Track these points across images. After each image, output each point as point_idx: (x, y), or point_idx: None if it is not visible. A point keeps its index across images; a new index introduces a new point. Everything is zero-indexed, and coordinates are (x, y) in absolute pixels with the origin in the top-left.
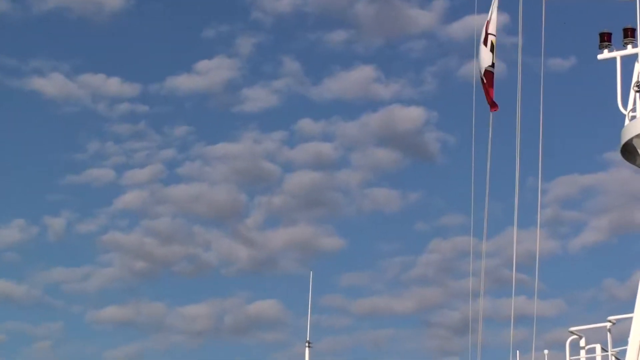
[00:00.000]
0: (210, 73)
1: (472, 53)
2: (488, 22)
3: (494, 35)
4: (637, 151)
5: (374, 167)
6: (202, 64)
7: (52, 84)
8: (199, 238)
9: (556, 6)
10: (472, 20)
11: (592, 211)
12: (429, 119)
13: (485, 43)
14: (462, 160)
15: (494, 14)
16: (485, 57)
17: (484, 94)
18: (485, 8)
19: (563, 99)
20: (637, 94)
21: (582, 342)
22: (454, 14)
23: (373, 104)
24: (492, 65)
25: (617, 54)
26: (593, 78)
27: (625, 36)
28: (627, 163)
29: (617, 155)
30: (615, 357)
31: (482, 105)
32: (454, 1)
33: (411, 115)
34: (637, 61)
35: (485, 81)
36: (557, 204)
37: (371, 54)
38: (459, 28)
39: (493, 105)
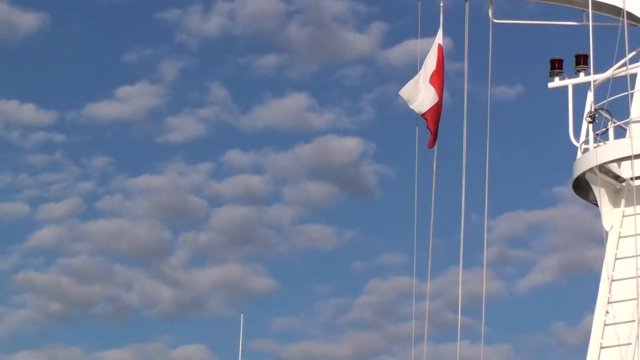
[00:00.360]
0: (132, 100)
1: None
2: (440, 45)
3: (436, 66)
4: (589, 186)
5: (308, 202)
6: (123, 90)
7: None
8: (120, 278)
9: (502, 30)
10: (413, 45)
11: (540, 250)
12: (367, 151)
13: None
14: (401, 195)
15: (440, 38)
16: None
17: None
18: (428, 31)
19: (510, 129)
20: (590, 125)
21: None
22: (393, 38)
23: (306, 134)
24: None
25: (569, 82)
26: (543, 107)
27: (578, 63)
28: (579, 199)
29: (568, 190)
30: None
31: (425, 136)
32: (393, 24)
33: (347, 147)
34: (590, 90)
35: (429, 115)
36: (503, 242)
37: (304, 81)
38: (398, 53)
39: (432, 139)
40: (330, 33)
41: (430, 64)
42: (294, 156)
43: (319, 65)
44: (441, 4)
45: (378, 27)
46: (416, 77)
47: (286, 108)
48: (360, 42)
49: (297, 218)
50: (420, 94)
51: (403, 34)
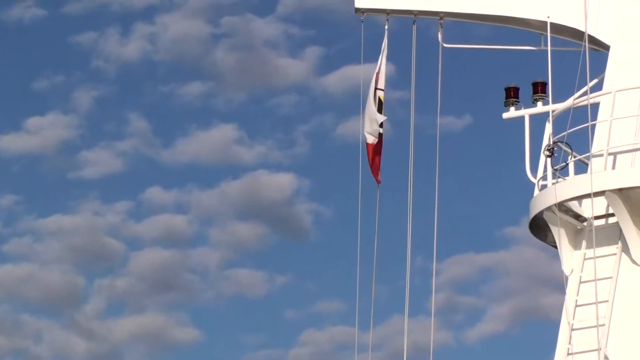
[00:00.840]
0: (43, 132)
1: (352, 109)
2: (377, 75)
3: (382, 90)
4: (548, 226)
5: (236, 244)
6: (33, 122)
7: None
8: (28, 328)
9: (452, 56)
10: (351, 71)
11: (491, 296)
12: (301, 188)
13: (375, 101)
14: (339, 237)
15: (383, 65)
16: (378, 118)
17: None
18: (369, 57)
19: (459, 164)
20: (548, 159)
21: None
22: (330, 63)
23: (235, 170)
24: (380, 125)
25: (525, 112)
26: (496, 140)
27: (535, 92)
28: (536, 240)
29: (523, 231)
30: None
31: (367, 172)
32: (330, 49)
33: (280, 183)
34: (548, 121)
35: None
36: (451, 287)
37: (233, 110)
38: (336, 80)
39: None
40: (261, 58)
41: (372, 94)
42: (221, 194)
43: (248, 93)
44: (386, 27)
45: (314, 52)
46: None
47: (212, 141)
48: (294, 68)
49: (225, 262)
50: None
51: (341, 59)
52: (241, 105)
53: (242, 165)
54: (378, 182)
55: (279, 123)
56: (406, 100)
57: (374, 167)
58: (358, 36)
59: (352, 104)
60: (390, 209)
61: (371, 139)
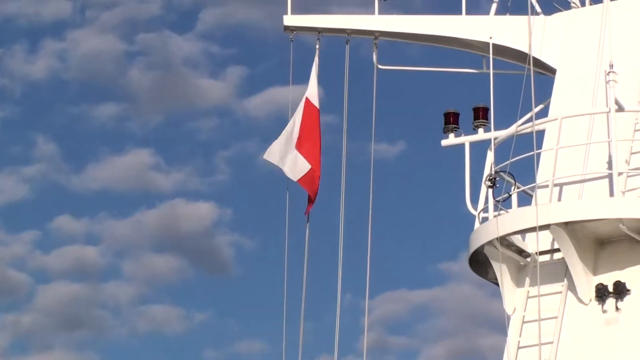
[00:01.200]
0: None
1: (277, 134)
2: (307, 99)
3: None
4: (489, 262)
5: (151, 278)
6: None
7: None
8: None
9: (386, 78)
10: (276, 94)
11: (425, 336)
12: (222, 218)
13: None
14: (263, 271)
15: (314, 87)
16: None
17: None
18: (297, 78)
19: (391, 195)
20: (490, 190)
21: None
22: (254, 85)
23: (150, 198)
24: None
25: (466, 140)
26: (434, 169)
27: (476, 117)
28: (475, 276)
29: (460, 266)
30: None
31: (295, 201)
32: (254, 69)
33: (199, 213)
34: (490, 149)
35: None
36: (382, 326)
37: (148, 134)
38: (261, 103)
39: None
40: (180, 78)
41: (298, 123)
42: (136, 224)
43: (165, 116)
44: (317, 46)
45: (236, 72)
46: (283, 135)
47: (126, 167)
48: (215, 89)
49: (139, 297)
50: (288, 157)
51: (266, 80)
52: (158, 129)
53: (158, 193)
54: (307, 212)
55: (199, 148)
56: (335, 125)
57: (310, 195)
58: (284, 56)
59: (278, 128)
60: (319, 241)
61: (297, 174)
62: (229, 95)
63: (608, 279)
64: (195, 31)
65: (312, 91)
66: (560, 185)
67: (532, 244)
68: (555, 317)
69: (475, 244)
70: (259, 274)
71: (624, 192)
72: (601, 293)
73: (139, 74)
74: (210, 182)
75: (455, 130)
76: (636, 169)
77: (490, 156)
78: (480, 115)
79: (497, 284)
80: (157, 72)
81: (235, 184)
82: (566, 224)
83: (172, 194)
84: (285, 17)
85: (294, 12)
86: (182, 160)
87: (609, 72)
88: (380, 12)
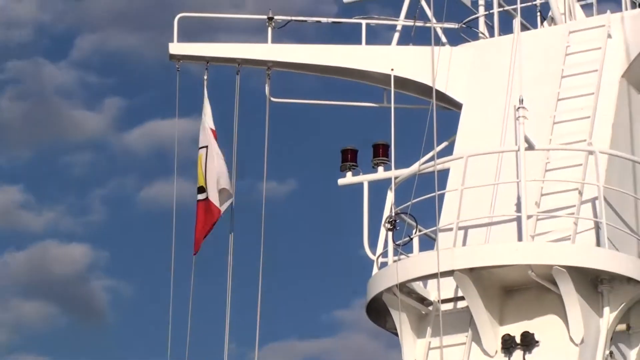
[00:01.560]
0: None
1: (158, 170)
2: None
3: (205, 146)
4: (387, 310)
5: (19, 326)
6: None
7: None
8: None
9: (278, 111)
10: (158, 127)
11: None
12: (97, 261)
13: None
14: (141, 318)
15: (208, 122)
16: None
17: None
18: (184, 110)
19: (281, 237)
20: (390, 233)
21: None
22: (133, 117)
23: (19, 239)
24: (203, 190)
25: (364, 179)
26: (328, 210)
27: (376, 155)
28: (372, 325)
29: (355, 314)
30: None
31: (181, 243)
32: (132, 100)
33: (72, 256)
34: (390, 189)
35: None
36: None
37: (17, 170)
38: (140, 136)
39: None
40: (52, 109)
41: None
42: (2, 266)
43: (36, 150)
44: (205, 77)
45: (114, 104)
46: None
47: None
48: (91, 121)
49: (5, 346)
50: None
51: (146, 112)
52: (27, 164)
53: (27, 233)
54: (195, 250)
55: (72, 185)
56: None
57: (201, 233)
58: (166, 86)
59: (158, 163)
60: (205, 286)
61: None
62: (106, 128)
63: (515, 330)
64: (70, 59)
65: (207, 125)
66: (465, 228)
67: (434, 291)
68: None
69: (373, 291)
70: (136, 320)
71: (533, 237)
72: (508, 344)
73: (9, 103)
74: (84, 222)
75: (354, 169)
76: (546, 211)
77: (390, 196)
78: (380, 152)
79: (396, 334)
80: (28, 102)
81: (111, 224)
82: (471, 270)
83: (42, 235)
84: (170, 44)
85: (180, 39)
86: (54, 198)
87: (519, 107)
88: (273, 41)
